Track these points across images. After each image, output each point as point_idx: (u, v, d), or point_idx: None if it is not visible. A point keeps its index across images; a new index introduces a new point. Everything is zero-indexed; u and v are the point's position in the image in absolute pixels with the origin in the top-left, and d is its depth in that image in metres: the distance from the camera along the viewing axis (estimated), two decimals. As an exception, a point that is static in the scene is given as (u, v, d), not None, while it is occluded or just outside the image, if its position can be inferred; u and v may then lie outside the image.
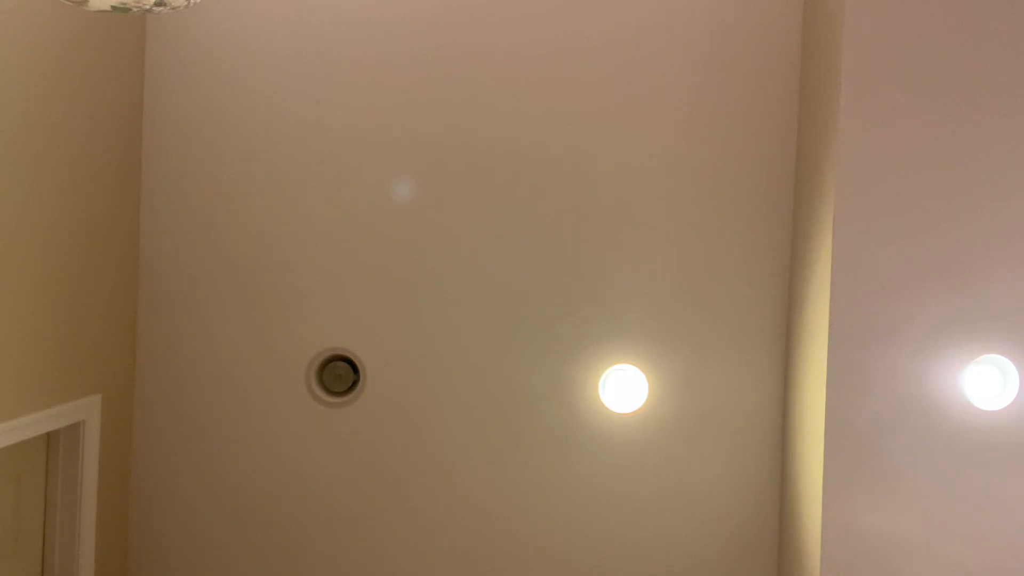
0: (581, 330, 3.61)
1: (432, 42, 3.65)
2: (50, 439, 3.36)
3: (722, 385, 3.57)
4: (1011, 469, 2.79)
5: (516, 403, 3.65)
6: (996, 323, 2.79)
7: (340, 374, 3.75)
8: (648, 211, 3.59)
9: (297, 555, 3.75)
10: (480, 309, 3.66)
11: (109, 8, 1.88)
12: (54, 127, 3.16)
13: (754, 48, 3.53)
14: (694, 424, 3.58)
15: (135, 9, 1.88)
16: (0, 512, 3.15)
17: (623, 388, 3.58)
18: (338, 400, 3.73)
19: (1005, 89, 2.78)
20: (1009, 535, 2.80)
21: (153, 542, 3.78)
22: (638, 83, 3.58)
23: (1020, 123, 2.77)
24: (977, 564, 2.81)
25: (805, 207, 3.31)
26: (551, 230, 3.63)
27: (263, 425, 3.73)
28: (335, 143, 3.69)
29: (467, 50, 3.65)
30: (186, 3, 1.95)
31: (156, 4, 1.89)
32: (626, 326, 3.60)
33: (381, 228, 3.68)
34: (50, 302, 3.16)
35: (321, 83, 3.69)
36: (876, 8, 2.80)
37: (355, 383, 3.74)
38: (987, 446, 2.79)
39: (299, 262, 3.71)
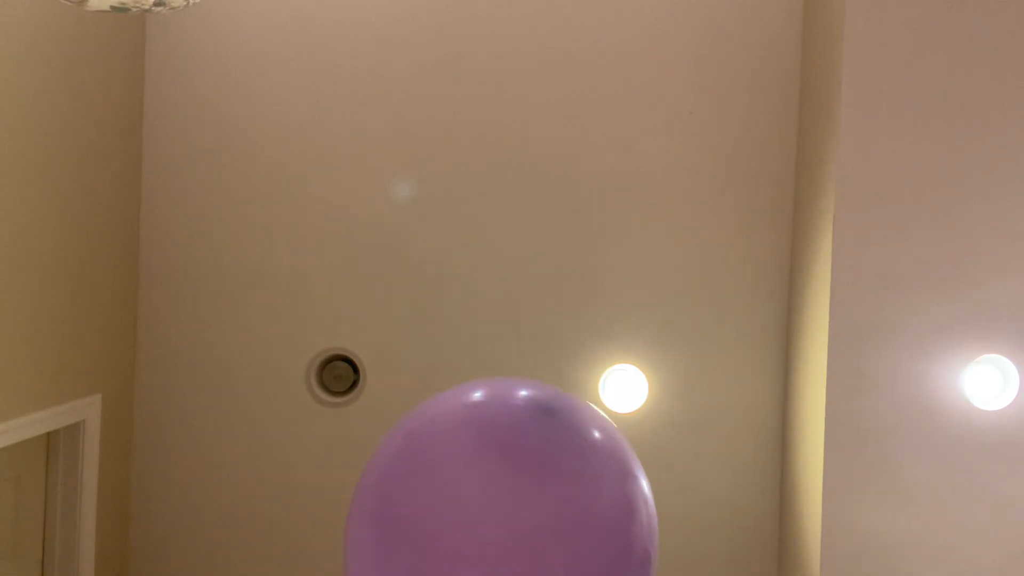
0: (581, 330, 3.61)
1: (432, 44, 3.65)
2: (50, 439, 3.36)
3: (722, 385, 3.57)
4: (1011, 469, 2.79)
5: (516, 403, 3.64)
6: (996, 323, 2.79)
7: (340, 374, 3.75)
8: (648, 211, 3.59)
9: (297, 555, 3.74)
10: (480, 309, 3.66)
11: (108, 8, 1.88)
12: (54, 127, 3.16)
13: (754, 48, 3.53)
14: (694, 424, 3.58)
15: (134, 9, 1.88)
16: (0, 512, 3.15)
17: (623, 388, 3.58)
18: (338, 400, 3.73)
19: (1005, 89, 2.78)
20: (1009, 534, 2.80)
21: (153, 542, 3.78)
22: (638, 83, 3.58)
23: (1020, 123, 2.77)
24: (977, 564, 2.81)
25: (805, 207, 3.31)
26: (551, 230, 3.63)
27: (263, 425, 3.73)
28: (335, 143, 3.69)
29: (467, 53, 3.65)
30: (186, 3, 1.95)
31: (155, 4, 1.89)
32: (626, 326, 3.60)
33: (381, 228, 3.68)
34: (51, 302, 3.16)
35: (321, 83, 3.69)
36: (876, 8, 2.80)
37: (355, 383, 3.74)
38: (987, 446, 2.79)
39: (299, 262, 3.71)
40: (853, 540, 2.85)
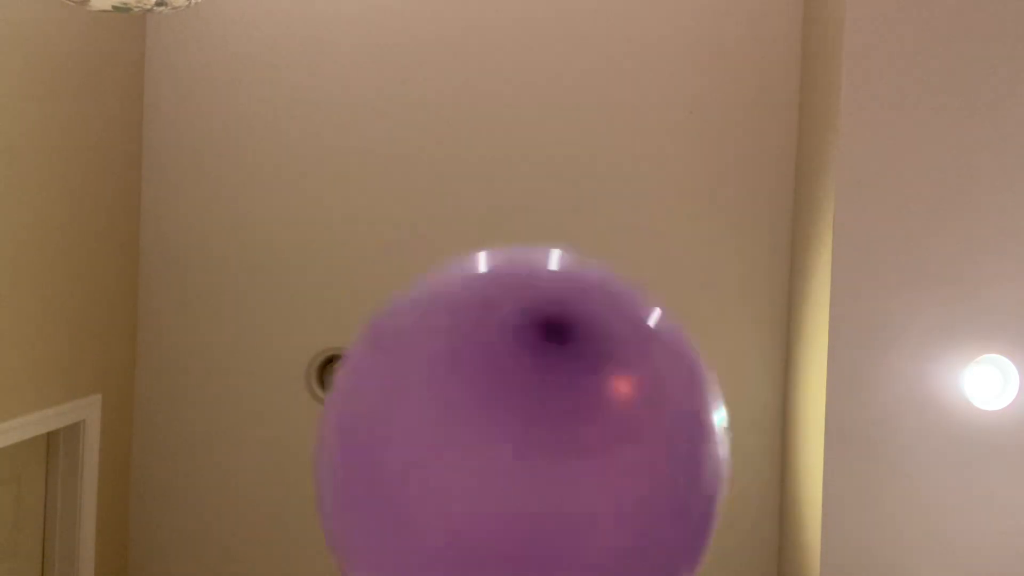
0: (581, 330, 3.61)
1: (432, 46, 3.65)
2: (50, 439, 3.35)
3: (722, 384, 3.54)
4: (1011, 469, 2.79)
5: (516, 403, 3.64)
6: (996, 323, 2.79)
7: (340, 374, 3.74)
8: (648, 211, 3.59)
9: (297, 555, 3.74)
10: (480, 309, 3.65)
11: (110, 8, 1.88)
12: (54, 127, 3.16)
13: (754, 49, 3.53)
14: (694, 424, 3.57)
15: (136, 9, 1.88)
16: (0, 512, 3.15)
17: (623, 388, 3.57)
18: (338, 400, 3.72)
19: (1005, 89, 2.78)
20: (1009, 535, 2.80)
21: (153, 542, 3.78)
22: (639, 84, 3.58)
23: (1020, 124, 2.77)
24: (977, 564, 2.81)
25: (805, 207, 3.31)
26: (552, 230, 3.62)
27: (263, 425, 3.73)
28: (335, 142, 3.69)
29: (467, 55, 3.64)
30: (187, 3, 1.95)
31: (157, 4, 1.89)
32: (626, 326, 3.59)
33: (381, 227, 3.68)
34: (50, 302, 3.16)
35: (321, 83, 3.69)
36: (876, 9, 2.81)
37: (355, 383, 3.73)
38: (987, 446, 2.79)
39: (299, 262, 3.71)
40: (853, 540, 2.85)
